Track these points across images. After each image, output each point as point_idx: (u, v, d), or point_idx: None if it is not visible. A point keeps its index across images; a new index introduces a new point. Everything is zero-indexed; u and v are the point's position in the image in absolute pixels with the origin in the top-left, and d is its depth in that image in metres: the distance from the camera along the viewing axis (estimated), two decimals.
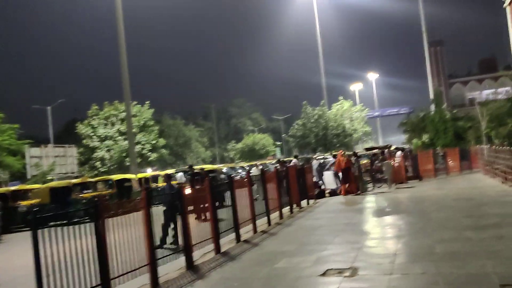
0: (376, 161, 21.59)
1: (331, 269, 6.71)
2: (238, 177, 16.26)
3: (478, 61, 75.15)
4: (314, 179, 18.85)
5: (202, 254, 8.59)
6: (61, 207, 19.21)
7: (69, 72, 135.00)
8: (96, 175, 34.42)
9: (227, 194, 10.13)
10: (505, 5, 18.01)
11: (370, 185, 19.96)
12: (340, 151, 21.19)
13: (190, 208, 8.74)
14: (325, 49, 55.01)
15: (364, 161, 24.18)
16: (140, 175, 26.09)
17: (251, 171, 17.88)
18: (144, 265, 6.80)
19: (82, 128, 39.34)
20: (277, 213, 12.69)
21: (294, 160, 21.12)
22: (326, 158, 28.62)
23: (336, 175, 20.27)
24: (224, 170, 33.06)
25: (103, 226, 6.20)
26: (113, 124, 39.26)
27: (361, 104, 59.21)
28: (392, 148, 27.98)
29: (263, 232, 10.84)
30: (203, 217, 9.35)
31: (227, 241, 9.54)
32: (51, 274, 5.30)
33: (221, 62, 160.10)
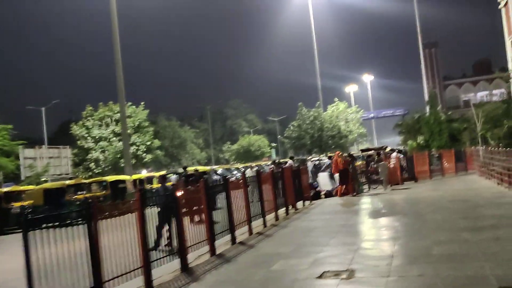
0: (372, 163, 21.57)
1: (328, 271, 6.64)
2: (233, 178, 16.17)
3: (472, 63, 75.49)
4: (309, 180, 18.80)
5: (197, 256, 8.49)
6: (55, 209, 19.07)
7: (63, 72, 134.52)
8: (91, 176, 34.23)
9: (221, 196, 10.01)
10: (500, 6, 18.03)
11: (365, 187, 19.92)
12: (337, 152, 21.16)
13: (184, 210, 8.62)
14: (321, 50, 55.18)
15: (359, 162, 24.16)
16: (134, 177, 25.94)
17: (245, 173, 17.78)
18: (138, 268, 6.71)
19: (76, 129, 39.12)
20: (273, 215, 12.61)
21: (290, 161, 21.06)
22: (321, 160, 28.60)
23: (331, 176, 20.24)
24: (220, 171, 32.99)
25: (96, 228, 6.10)
26: (107, 125, 39.08)
27: (356, 105, 59.34)
28: (388, 149, 27.99)
29: (259, 233, 10.75)
30: (197, 219, 9.25)
31: (222, 243, 9.45)
32: (43, 277, 5.19)
33: (216, 64, 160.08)
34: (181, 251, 7.77)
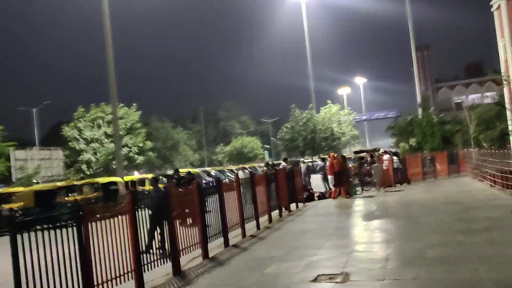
0: (365, 165, 21.56)
1: (322, 274, 6.56)
2: (226, 180, 16.06)
3: (464, 66, 76.05)
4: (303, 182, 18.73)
5: (190, 259, 8.39)
6: (46, 211, 18.84)
7: (55, 73, 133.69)
8: (82, 178, 33.97)
9: (213, 199, 9.88)
10: (493, 9, 18.10)
11: (358, 189, 19.90)
12: (332, 154, 21.13)
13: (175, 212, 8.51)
14: (314, 53, 55.22)
15: (350, 164, 24.15)
16: (126, 178, 25.74)
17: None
18: (130, 271, 6.59)
19: (68, 131, 38.84)
20: (266, 217, 12.53)
21: (283, 163, 20.99)
22: (314, 162, 28.60)
23: (324, 178, 20.20)
24: (213, 173, 32.85)
25: (86, 230, 5.99)
26: (99, 127, 38.82)
27: (349, 108, 59.54)
28: (381, 151, 28.00)
29: (252, 236, 10.66)
30: (189, 222, 9.14)
31: (215, 246, 9.35)
32: (31, 281, 5.07)
33: (209, 66, 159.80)
34: (174, 254, 7.66)
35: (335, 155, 19.22)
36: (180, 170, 24.32)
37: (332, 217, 13.32)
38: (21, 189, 24.16)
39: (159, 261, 7.45)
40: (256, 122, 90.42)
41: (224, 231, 9.70)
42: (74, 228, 5.90)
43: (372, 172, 20.20)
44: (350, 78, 76.40)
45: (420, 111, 35.43)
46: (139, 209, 7.23)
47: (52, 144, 48.01)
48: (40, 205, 19.55)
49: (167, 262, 7.64)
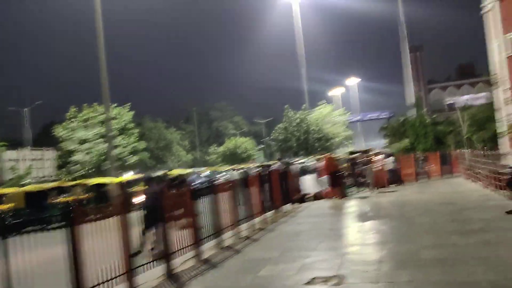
0: (359, 165, 21.54)
1: (317, 277, 6.49)
2: (220, 181, 15.93)
3: (456, 67, 76.52)
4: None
5: (183, 261, 8.28)
6: (37, 212, 18.65)
7: (47, 73, 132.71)
8: (74, 179, 33.68)
9: (205, 200, 9.75)
10: (483, 11, 18.18)
11: (352, 189, 19.87)
12: (327, 154, 21.11)
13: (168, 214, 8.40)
14: (307, 54, 55.17)
15: (344, 165, 24.11)
16: (119, 179, 25.53)
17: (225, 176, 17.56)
18: (121, 274, 6.49)
19: (60, 131, 38.51)
20: (260, 218, 12.45)
21: (278, 163, 20.92)
22: (307, 162, 28.58)
23: (318, 179, 20.15)
24: (207, 173, 32.75)
25: (77, 232, 5.87)
26: (92, 127, 38.54)
27: (343, 108, 59.64)
28: (375, 152, 28.02)
29: (246, 237, 10.57)
30: (180, 225, 9.03)
31: (208, 248, 9.25)
32: (20, 284, 4.96)
33: (202, 66, 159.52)
34: (166, 257, 7.56)
35: (331, 155, 19.17)
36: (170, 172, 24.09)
37: (326, 218, 13.27)
38: (12, 190, 23.89)
39: (151, 263, 7.35)
40: (249, 123, 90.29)
41: (218, 233, 9.60)
42: (65, 230, 5.79)
43: (366, 173, 20.19)
44: (343, 78, 76.39)
45: (413, 111, 35.63)
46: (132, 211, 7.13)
47: (44, 144, 47.58)
48: (31, 206, 19.35)
49: (160, 264, 7.54)
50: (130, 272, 6.63)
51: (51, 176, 42.03)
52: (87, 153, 37.59)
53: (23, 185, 31.07)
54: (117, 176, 24.77)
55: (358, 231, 10.59)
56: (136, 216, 7.91)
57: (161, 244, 7.73)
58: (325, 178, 18.57)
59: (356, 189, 20.20)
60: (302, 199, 17.92)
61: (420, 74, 72.07)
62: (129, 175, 33.75)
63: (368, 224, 11.40)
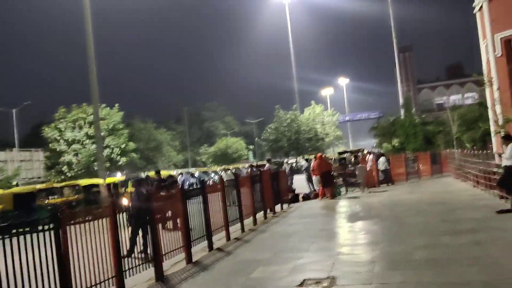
0: (349, 165, 21.58)
1: (309, 279, 6.42)
2: (210, 182, 15.85)
3: (445, 67, 77.12)
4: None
5: (173, 263, 8.18)
6: (25, 214, 18.37)
7: (36, 73, 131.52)
8: (63, 180, 33.35)
9: (195, 201, 9.65)
10: (475, 11, 18.26)
11: (343, 189, 19.88)
12: (319, 154, 21.09)
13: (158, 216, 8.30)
14: (297, 54, 55.31)
15: (335, 165, 24.15)
16: (108, 180, 25.29)
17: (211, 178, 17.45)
18: (110, 277, 6.38)
19: (48, 132, 38.10)
20: (251, 219, 12.37)
21: (267, 164, 20.86)
22: (298, 162, 28.58)
23: (309, 179, 20.14)
24: (196, 174, 32.60)
25: (65, 235, 5.76)
26: (81, 128, 38.20)
27: (333, 108, 59.83)
28: (365, 152, 28.12)
29: (237, 239, 10.49)
30: (169, 226, 8.94)
31: (199, 250, 9.15)
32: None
33: (193, 66, 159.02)
34: (156, 259, 7.45)
35: (322, 155, 19.16)
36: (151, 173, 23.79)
37: (317, 219, 13.23)
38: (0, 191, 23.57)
39: (141, 266, 7.24)
40: (240, 123, 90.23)
41: (208, 234, 9.51)
42: (52, 233, 5.68)
43: (356, 172, 20.21)
44: (333, 79, 76.82)
45: (402, 111, 35.80)
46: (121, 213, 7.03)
47: (34, 145, 47.12)
48: (19, 208, 19.07)
49: (149, 267, 7.43)
50: (119, 275, 6.52)
51: (40, 178, 41.63)
52: (76, 154, 37.25)
53: (10, 187, 30.73)
54: (105, 177, 24.53)
55: (350, 232, 10.56)
56: (125, 218, 7.81)
57: (150, 246, 7.63)
58: (316, 178, 18.57)
59: (347, 189, 20.22)
60: (293, 199, 17.88)
61: (410, 74, 72.51)
62: (117, 176, 33.53)
63: (360, 224, 11.38)
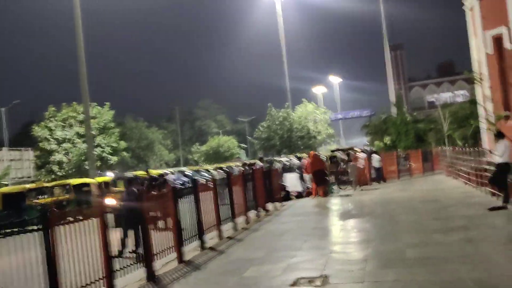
0: (341, 163, 21.59)
1: (302, 277, 6.38)
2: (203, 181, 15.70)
3: (436, 65, 77.45)
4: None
5: (164, 263, 8.08)
6: (15, 214, 18.16)
7: (26, 72, 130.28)
8: (54, 180, 33.06)
9: (187, 200, 9.55)
10: (464, 7, 18.33)
11: (335, 187, 19.88)
12: (311, 152, 21.06)
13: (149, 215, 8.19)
14: (289, 52, 55.31)
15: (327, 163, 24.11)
16: (100, 179, 25.09)
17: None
18: (100, 278, 6.28)
19: (38, 131, 37.75)
20: (243, 218, 12.30)
21: (259, 163, 20.78)
22: (290, 160, 28.52)
23: (301, 177, 20.11)
24: (189, 173, 32.37)
25: (54, 235, 5.65)
26: (71, 126, 37.88)
27: (325, 107, 59.89)
28: (358, 150, 28.15)
29: (229, 238, 10.42)
30: (161, 226, 8.84)
31: (191, 249, 9.06)
32: None
33: (185, 65, 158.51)
34: (147, 259, 7.36)
35: (315, 153, 19.12)
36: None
37: (310, 217, 13.21)
38: None
39: (132, 266, 7.15)
40: (232, 121, 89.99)
41: (200, 233, 9.43)
42: (41, 234, 5.58)
43: (348, 170, 20.23)
44: (325, 77, 76.76)
45: (393, 109, 35.94)
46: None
47: (23, 144, 46.59)
48: (8, 208, 18.87)
49: (141, 266, 7.34)
50: (109, 276, 6.43)
51: (30, 177, 41.19)
52: (67, 153, 36.94)
53: (0, 186, 30.37)
54: (95, 177, 24.34)
55: (342, 230, 10.54)
56: (115, 218, 7.72)
57: (141, 246, 7.53)
58: (308, 176, 18.55)
59: (339, 187, 20.22)
60: (286, 197, 17.85)
61: (401, 73, 72.76)
62: (107, 176, 33.27)
63: (352, 222, 11.38)
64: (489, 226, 8.75)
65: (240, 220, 12.06)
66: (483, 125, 17.01)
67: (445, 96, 68.56)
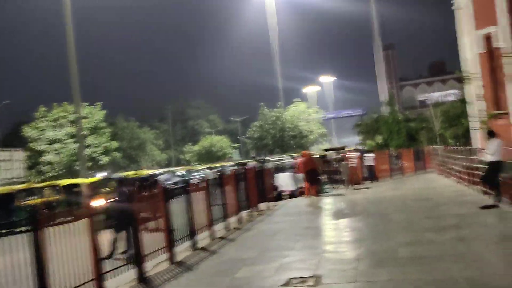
0: (334, 162, 21.58)
1: (294, 278, 6.33)
2: (195, 181, 15.65)
3: (428, 65, 77.89)
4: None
5: (155, 264, 7.99)
6: (4, 215, 17.94)
7: (16, 71, 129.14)
8: (44, 180, 32.78)
9: (178, 200, 9.48)
10: (454, 7, 18.43)
11: (327, 187, 19.87)
12: (304, 151, 21.03)
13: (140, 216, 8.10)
14: (281, 52, 55.33)
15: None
16: (90, 180, 24.89)
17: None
18: (90, 280, 6.19)
19: (28, 131, 37.41)
20: (235, 217, 12.24)
21: (252, 162, 20.74)
22: (282, 160, 28.50)
23: (294, 176, 20.06)
24: (183, 173, 32.25)
25: (42, 236, 5.56)
26: (62, 126, 37.58)
27: (318, 106, 59.98)
28: (352, 149, 28.19)
29: (221, 238, 10.35)
30: (151, 226, 8.75)
31: (182, 249, 8.97)
32: None
33: (176, 64, 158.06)
34: (138, 260, 7.27)
35: (308, 153, 19.09)
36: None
37: (302, 216, 13.17)
38: None
39: (122, 267, 7.06)
40: (224, 121, 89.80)
41: (192, 234, 9.35)
42: (29, 235, 5.48)
43: (341, 170, 20.23)
44: (316, 76, 76.78)
45: (384, 108, 36.09)
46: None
47: (13, 145, 46.18)
48: None
49: (131, 268, 7.25)
50: (100, 277, 6.34)
51: (20, 178, 40.83)
52: (58, 154, 36.64)
53: None
54: (87, 177, 24.15)
55: (335, 229, 10.52)
56: (106, 218, 7.61)
57: (132, 247, 7.45)
58: (300, 175, 18.51)
59: (331, 186, 20.21)
60: (278, 197, 17.81)
61: (393, 72, 73.09)
62: (99, 176, 33.05)
63: (345, 221, 11.35)
64: (481, 225, 8.77)
65: (233, 220, 11.99)
66: (473, 124, 17.11)
67: (437, 95, 68.98)
